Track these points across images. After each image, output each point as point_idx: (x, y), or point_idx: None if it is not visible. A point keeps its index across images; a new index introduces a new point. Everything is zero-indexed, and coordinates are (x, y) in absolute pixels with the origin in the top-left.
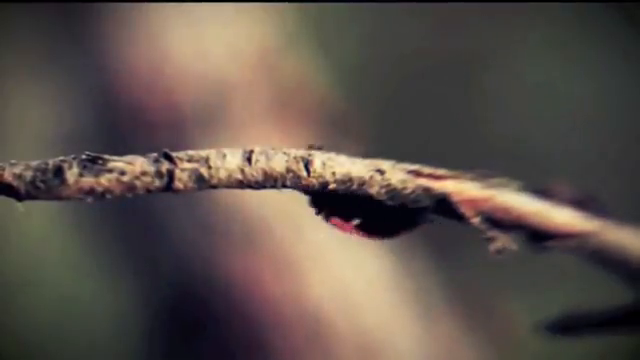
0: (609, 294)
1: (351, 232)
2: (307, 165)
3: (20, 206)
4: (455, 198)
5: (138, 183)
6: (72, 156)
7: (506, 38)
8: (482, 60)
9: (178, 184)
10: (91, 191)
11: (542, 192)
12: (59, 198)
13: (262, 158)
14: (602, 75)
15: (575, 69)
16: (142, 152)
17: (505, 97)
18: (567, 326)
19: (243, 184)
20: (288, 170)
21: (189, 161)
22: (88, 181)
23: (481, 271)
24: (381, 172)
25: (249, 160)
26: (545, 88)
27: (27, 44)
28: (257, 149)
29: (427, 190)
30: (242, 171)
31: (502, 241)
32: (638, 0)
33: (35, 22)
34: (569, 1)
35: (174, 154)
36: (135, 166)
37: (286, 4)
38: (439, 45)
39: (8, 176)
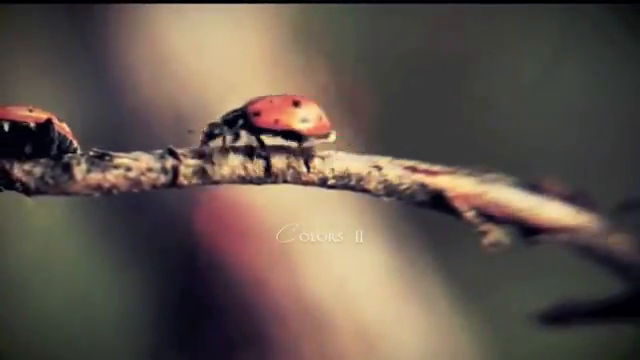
0: (600, 286)
1: None
2: (307, 161)
3: (29, 201)
4: (450, 193)
5: (144, 179)
6: (80, 153)
7: (500, 38)
8: (477, 60)
9: (182, 180)
10: (98, 187)
11: (534, 187)
12: (67, 193)
13: (263, 155)
14: (594, 74)
15: (568, 68)
16: (147, 149)
17: (499, 96)
18: (559, 316)
19: (245, 180)
20: (289, 166)
21: (193, 157)
22: (95, 177)
23: (476, 263)
24: (378, 168)
25: (251, 157)
26: (538, 87)
27: (33, 45)
28: (258, 146)
29: (423, 186)
30: (244, 167)
31: (495, 235)
32: (630, 1)
33: (41, 24)
34: (564, 2)
35: (178, 151)
36: (141, 162)
37: (286, 5)
38: (434, 46)
39: (18, 172)
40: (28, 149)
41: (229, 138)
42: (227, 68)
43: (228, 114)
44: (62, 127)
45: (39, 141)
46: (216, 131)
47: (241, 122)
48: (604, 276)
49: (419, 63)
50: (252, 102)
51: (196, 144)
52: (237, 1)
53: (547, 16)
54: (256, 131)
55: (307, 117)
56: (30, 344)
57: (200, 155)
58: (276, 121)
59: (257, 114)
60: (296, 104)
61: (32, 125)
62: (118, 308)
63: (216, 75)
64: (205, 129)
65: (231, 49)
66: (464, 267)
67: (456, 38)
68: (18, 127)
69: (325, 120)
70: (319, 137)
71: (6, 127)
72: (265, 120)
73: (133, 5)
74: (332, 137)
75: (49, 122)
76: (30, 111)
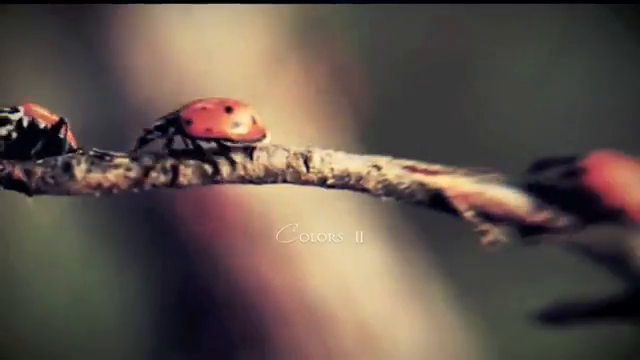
0: (600, 285)
1: None
2: (306, 161)
3: (30, 201)
4: (449, 193)
5: (144, 179)
6: (80, 152)
7: (500, 38)
8: (476, 60)
9: (182, 179)
10: (99, 186)
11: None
12: (68, 193)
13: (263, 154)
14: (594, 74)
15: (568, 68)
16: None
17: (499, 95)
18: (558, 316)
19: (245, 179)
20: (288, 166)
21: (193, 157)
22: (96, 177)
23: (476, 262)
24: (378, 168)
25: (251, 156)
26: (538, 87)
27: (33, 45)
28: (258, 146)
29: (422, 185)
30: (244, 167)
31: (494, 234)
32: (630, 1)
33: (41, 24)
34: (564, 2)
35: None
36: (141, 162)
37: (287, 5)
38: (435, 45)
39: (19, 172)
40: (35, 150)
41: (163, 143)
42: (228, 68)
43: (161, 120)
44: (70, 135)
45: (49, 144)
46: (149, 137)
47: (173, 130)
48: (603, 275)
49: (419, 63)
50: (185, 108)
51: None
52: (238, 1)
53: (547, 16)
54: (190, 138)
55: (240, 122)
56: (30, 343)
57: (134, 159)
58: (208, 129)
59: (189, 122)
60: (229, 110)
61: (49, 126)
62: (118, 308)
63: (217, 75)
64: (141, 134)
65: (232, 49)
66: (463, 266)
67: (456, 38)
68: (34, 126)
69: (259, 123)
70: (254, 141)
71: (25, 122)
72: (197, 128)
73: (133, 5)
74: (267, 139)
75: (62, 122)
76: (50, 114)
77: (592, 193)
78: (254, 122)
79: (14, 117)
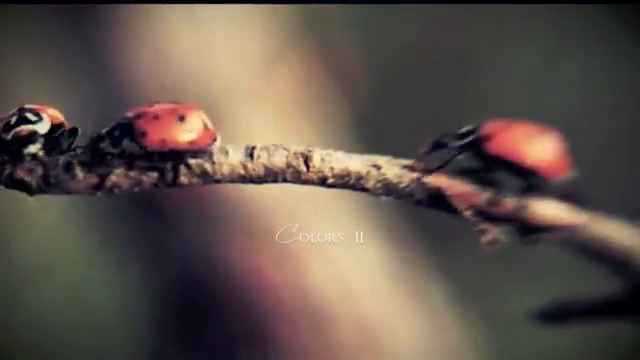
0: (599, 284)
1: None
2: (306, 160)
3: (32, 200)
4: (448, 192)
5: (145, 178)
6: (81, 152)
7: (499, 38)
8: (476, 60)
9: (183, 179)
10: (100, 186)
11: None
12: (69, 192)
13: (263, 154)
14: (593, 74)
15: (565, 68)
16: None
17: (499, 96)
18: (557, 315)
19: (245, 179)
20: (288, 165)
21: (193, 157)
22: (96, 176)
23: (475, 262)
24: (377, 167)
25: (251, 156)
26: (537, 86)
27: (34, 45)
28: (259, 145)
29: (421, 184)
30: (244, 166)
31: (493, 233)
32: (630, 1)
33: (42, 24)
34: (561, 2)
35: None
36: (142, 161)
37: (287, 5)
38: (433, 46)
39: (21, 172)
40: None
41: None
42: (228, 67)
43: (112, 127)
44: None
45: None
46: (102, 145)
47: (127, 140)
48: (602, 274)
49: (419, 63)
50: (138, 116)
51: None
52: (238, 1)
53: (546, 16)
54: (144, 149)
55: (192, 129)
56: (30, 343)
57: (91, 165)
58: (163, 141)
59: (144, 134)
60: (182, 119)
61: (60, 132)
62: (118, 307)
63: (217, 75)
64: (92, 142)
65: (232, 48)
66: (463, 266)
67: (456, 38)
68: (52, 133)
69: (210, 128)
70: (205, 146)
71: (47, 127)
72: (152, 140)
73: (134, 5)
74: (217, 142)
75: (75, 130)
76: (64, 119)
77: (498, 157)
78: (205, 127)
79: (41, 129)
